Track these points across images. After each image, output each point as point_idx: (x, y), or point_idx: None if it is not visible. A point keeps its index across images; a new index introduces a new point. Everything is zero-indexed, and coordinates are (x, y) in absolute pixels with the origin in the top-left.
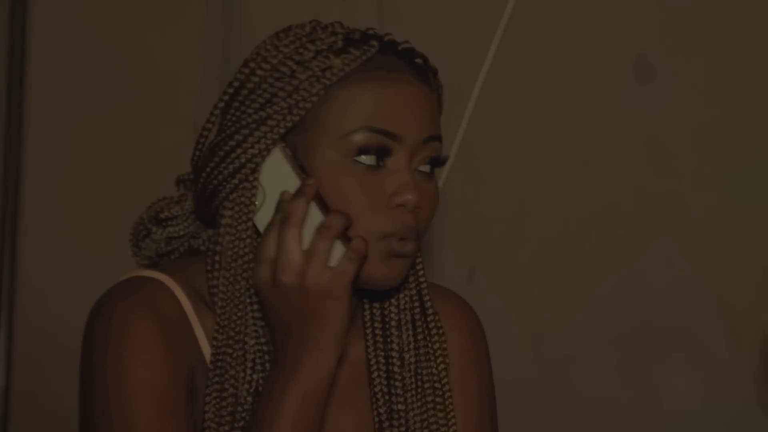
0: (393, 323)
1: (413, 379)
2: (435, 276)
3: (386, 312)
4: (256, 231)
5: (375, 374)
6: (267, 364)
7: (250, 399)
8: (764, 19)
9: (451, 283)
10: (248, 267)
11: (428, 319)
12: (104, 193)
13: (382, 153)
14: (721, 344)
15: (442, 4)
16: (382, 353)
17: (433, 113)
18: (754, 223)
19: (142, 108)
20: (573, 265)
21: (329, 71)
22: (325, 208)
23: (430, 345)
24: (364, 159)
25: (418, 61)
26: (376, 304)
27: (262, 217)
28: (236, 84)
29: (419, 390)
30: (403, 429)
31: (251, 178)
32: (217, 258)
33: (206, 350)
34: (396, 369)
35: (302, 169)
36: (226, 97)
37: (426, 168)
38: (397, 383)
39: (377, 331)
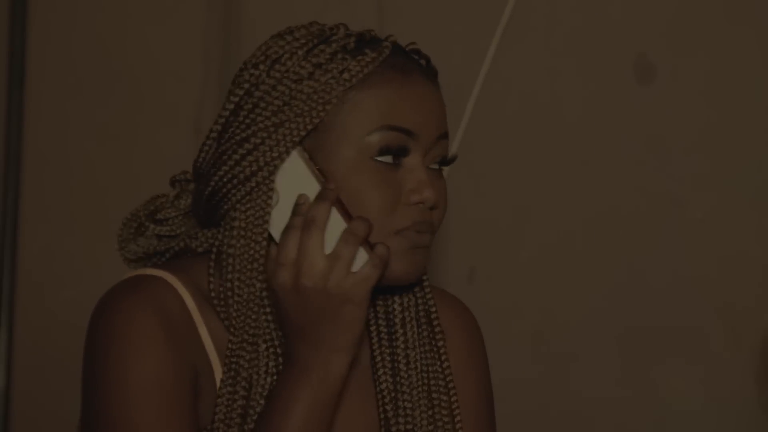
0: (397, 321)
1: (419, 377)
2: (435, 276)
3: (390, 310)
4: (269, 234)
5: (381, 372)
6: (280, 367)
7: (262, 402)
8: (764, 19)
9: (451, 284)
10: (263, 270)
11: (432, 317)
12: (104, 193)
13: (400, 152)
14: (721, 344)
15: (442, 4)
16: (388, 350)
17: (443, 111)
18: (754, 223)
19: (142, 108)
20: (573, 265)
21: (347, 73)
22: (344, 212)
23: (434, 343)
24: (383, 159)
25: (422, 62)
26: (380, 303)
27: (277, 221)
28: (246, 86)
29: (425, 388)
30: (409, 427)
31: (268, 182)
32: (230, 260)
33: (210, 349)
34: (402, 367)
35: (321, 173)
36: (235, 99)
37: (436, 166)
38: (403, 381)
39: (382, 330)
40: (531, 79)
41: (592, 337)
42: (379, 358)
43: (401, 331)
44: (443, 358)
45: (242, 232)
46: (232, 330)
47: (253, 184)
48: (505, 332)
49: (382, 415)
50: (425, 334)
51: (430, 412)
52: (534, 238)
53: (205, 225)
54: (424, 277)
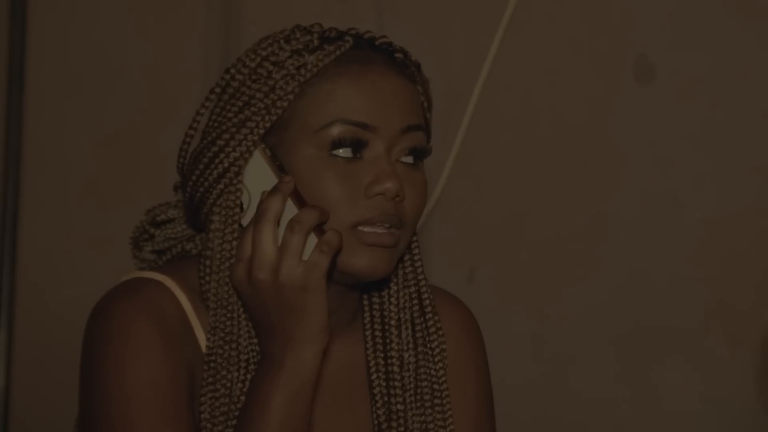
0: (393, 322)
1: (412, 379)
2: (435, 276)
3: (386, 312)
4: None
5: (374, 376)
6: None
7: (243, 398)
8: (764, 19)
9: (451, 284)
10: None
11: (427, 317)
12: (104, 193)
13: (357, 145)
14: (721, 344)
15: (442, 4)
16: (382, 354)
17: (412, 104)
18: (754, 223)
19: (141, 108)
20: (573, 266)
21: (303, 68)
22: (302, 204)
23: (428, 344)
24: (341, 152)
25: (398, 55)
26: (376, 305)
27: (249, 219)
28: (217, 90)
29: (418, 390)
30: (402, 429)
31: (235, 181)
32: (207, 262)
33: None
34: (395, 369)
35: (281, 168)
36: (208, 104)
37: (409, 159)
38: (396, 383)
39: (377, 333)
40: (531, 79)
41: (591, 337)
42: (373, 362)
43: (396, 332)
44: (437, 359)
45: (217, 233)
46: (209, 329)
47: (223, 186)
48: (505, 332)
49: (375, 420)
50: (421, 335)
51: (422, 416)
52: (534, 239)
53: (199, 229)
54: (423, 277)
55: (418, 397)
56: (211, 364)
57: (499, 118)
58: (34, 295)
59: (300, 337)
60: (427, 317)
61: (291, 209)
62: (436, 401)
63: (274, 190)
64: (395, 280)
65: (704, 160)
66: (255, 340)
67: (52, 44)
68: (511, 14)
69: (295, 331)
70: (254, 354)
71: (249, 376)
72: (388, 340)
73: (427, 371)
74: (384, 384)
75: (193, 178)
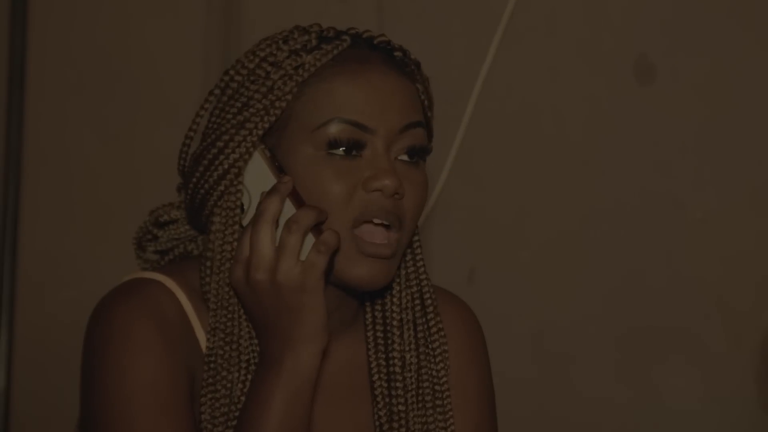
0: (395, 323)
1: (413, 380)
2: (435, 276)
3: (388, 312)
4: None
5: (376, 377)
6: None
7: (243, 399)
8: (764, 19)
9: (451, 284)
10: None
11: (429, 318)
12: (104, 193)
13: (354, 144)
14: (721, 344)
15: (442, 4)
16: (383, 355)
17: (411, 102)
18: (754, 223)
19: (141, 108)
20: (573, 266)
21: (301, 68)
22: (300, 205)
23: (430, 345)
24: (338, 151)
25: (397, 54)
26: (378, 306)
27: (250, 220)
28: (217, 91)
29: (419, 391)
30: (403, 430)
31: (236, 183)
32: (208, 263)
33: None
34: (397, 370)
35: (279, 169)
36: (207, 105)
37: (408, 157)
38: (398, 384)
39: (378, 334)
40: (531, 79)
41: (592, 337)
42: (374, 363)
43: (398, 332)
44: (438, 360)
45: (218, 234)
46: (210, 330)
47: (223, 187)
48: (505, 332)
49: (377, 420)
50: (423, 335)
51: (423, 417)
52: (534, 239)
53: (201, 231)
54: (425, 277)
55: (420, 397)
56: (212, 365)
57: (499, 118)
58: (34, 295)
59: (298, 337)
60: (428, 317)
61: (290, 210)
62: (438, 402)
63: (272, 191)
64: (397, 280)
65: (704, 160)
66: (255, 341)
67: (53, 44)
68: (511, 14)
69: (294, 331)
70: (254, 355)
71: (249, 376)
72: (390, 341)
73: (429, 372)
74: (385, 385)
75: (194, 179)
